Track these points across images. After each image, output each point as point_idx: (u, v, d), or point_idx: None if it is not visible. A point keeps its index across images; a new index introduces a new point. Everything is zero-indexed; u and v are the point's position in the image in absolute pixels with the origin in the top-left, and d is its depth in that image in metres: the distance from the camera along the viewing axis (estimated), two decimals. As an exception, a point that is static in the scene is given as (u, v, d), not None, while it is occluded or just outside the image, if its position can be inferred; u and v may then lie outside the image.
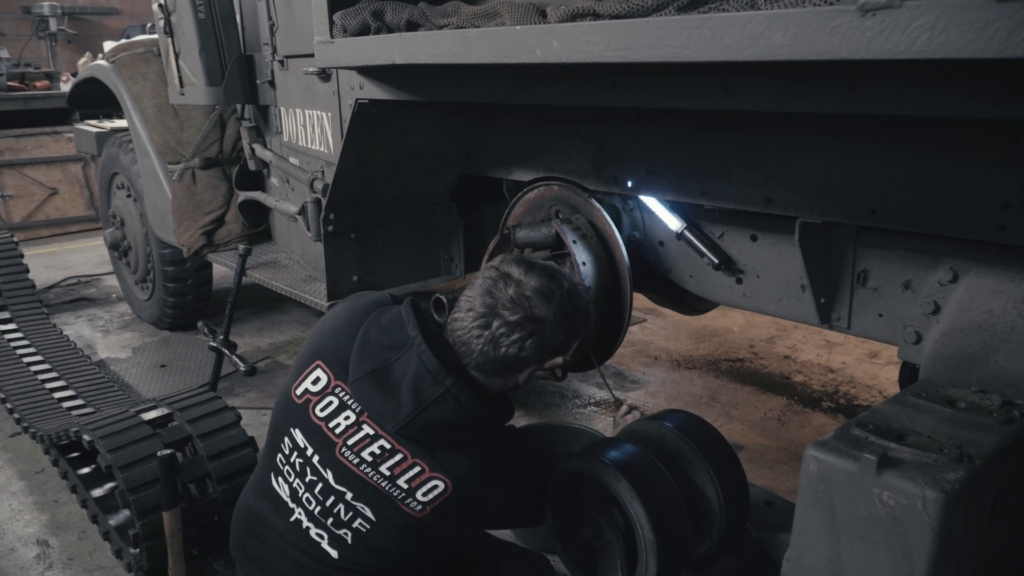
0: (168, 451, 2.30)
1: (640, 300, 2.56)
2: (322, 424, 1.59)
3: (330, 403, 1.59)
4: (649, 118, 2.10)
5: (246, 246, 3.46)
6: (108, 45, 4.62)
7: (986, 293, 1.59)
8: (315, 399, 1.61)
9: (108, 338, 4.80)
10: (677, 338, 4.62)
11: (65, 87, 7.24)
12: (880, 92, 1.28)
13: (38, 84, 7.78)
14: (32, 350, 4.02)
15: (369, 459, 1.55)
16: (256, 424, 3.47)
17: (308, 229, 3.15)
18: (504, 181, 2.70)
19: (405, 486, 1.55)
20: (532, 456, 1.85)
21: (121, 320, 5.10)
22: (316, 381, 1.63)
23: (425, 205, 2.97)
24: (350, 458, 1.57)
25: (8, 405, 3.45)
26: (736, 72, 1.47)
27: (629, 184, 2.21)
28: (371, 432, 1.56)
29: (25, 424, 3.25)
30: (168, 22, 3.53)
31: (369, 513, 1.58)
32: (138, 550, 2.46)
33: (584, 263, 2.15)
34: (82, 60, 7.18)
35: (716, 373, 4.11)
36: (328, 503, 1.59)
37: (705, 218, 2.14)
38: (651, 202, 2.24)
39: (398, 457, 1.54)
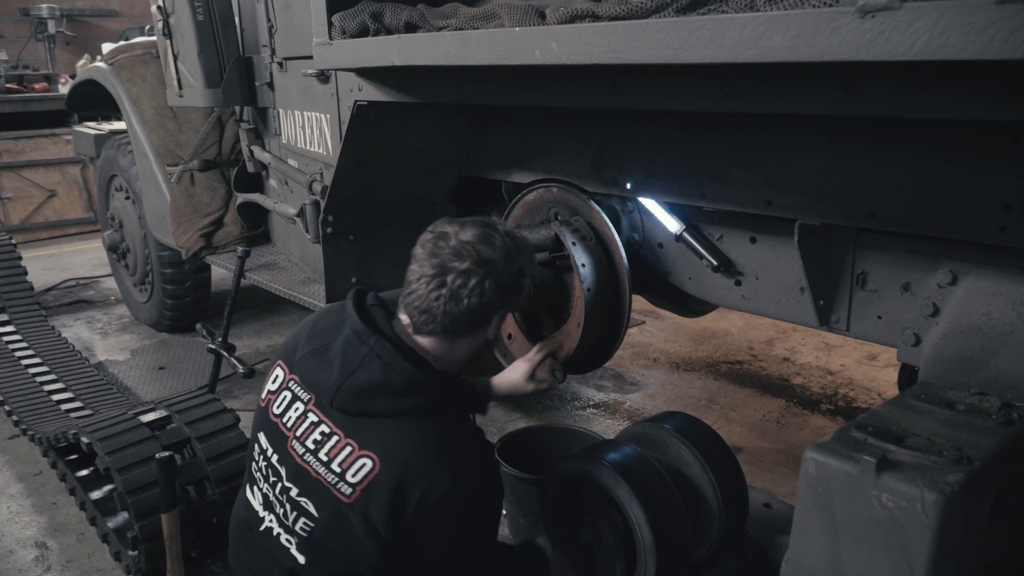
0: (167, 453, 2.30)
1: (639, 302, 2.56)
2: (278, 421, 1.59)
3: (284, 398, 1.59)
4: (648, 120, 2.10)
5: (245, 248, 3.46)
6: (107, 47, 4.62)
7: (985, 295, 1.59)
8: (273, 398, 1.62)
9: (107, 340, 4.79)
10: (676, 340, 4.62)
11: (64, 89, 7.24)
12: (880, 94, 1.28)
13: (36, 86, 7.78)
14: (30, 352, 4.01)
15: (312, 447, 1.52)
16: (255, 426, 3.47)
17: (307, 231, 3.15)
18: (503, 183, 2.70)
19: (337, 469, 1.48)
20: (494, 491, 1.60)
21: (120, 322, 5.10)
22: (275, 380, 1.64)
23: (424, 207, 2.97)
24: (297, 449, 1.54)
25: (7, 407, 3.45)
26: (735, 73, 1.47)
27: (628, 186, 2.21)
28: (315, 419, 1.53)
29: (24, 426, 3.24)
30: (167, 24, 3.53)
31: (312, 508, 1.52)
32: (137, 552, 2.45)
33: (583, 265, 2.15)
34: (80, 62, 7.19)
35: (715, 375, 4.11)
36: (287, 504, 1.56)
37: (704, 220, 2.14)
38: (650, 204, 2.24)
39: (334, 440, 1.50)
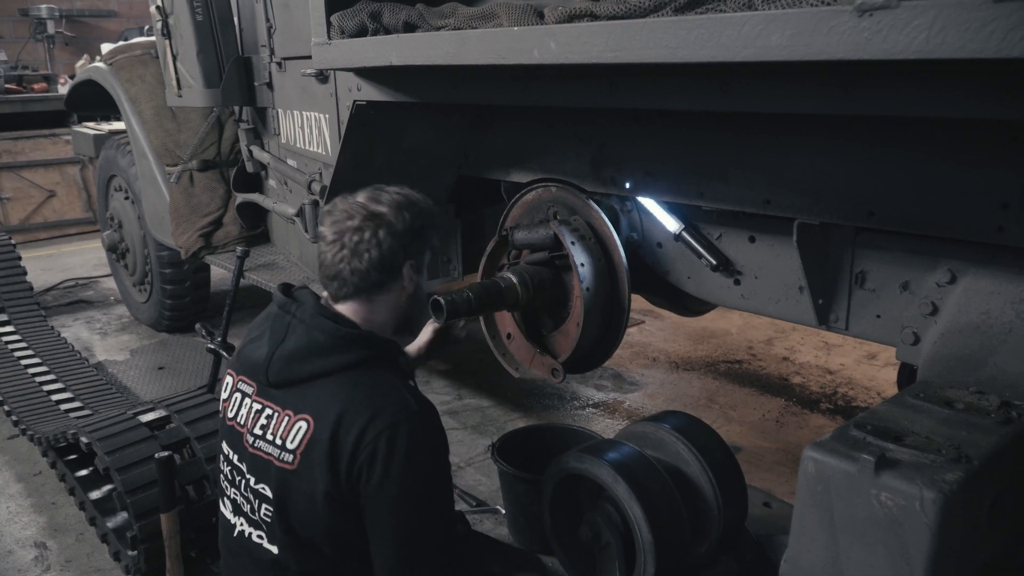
0: (166, 453, 2.30)
1: (638, 302, 2.56)
2: (233, 424, 1.62)
3: (235, 400, 1.63)
4: (647, 119, 2.10)
5: (244, 248, 3.46)
6: (106, 47, 4.62)
7: (984, 294, 1.59)
8: (227, 405, 1.65)
9: (106, 340, 4.79)
10: (675, 340, 4.63)
11: (63, 89, 7.24)
12: (878, 93, 1.28)
13: (36, 86, 7.78)
14: (30, 353, 4.01)
15: (260, 432, 1.55)
16: (254, 426, 3.47)
17: (306, 231, 3.15)
18: (502, 183, 2.70)
19: (279, 442, 1.50)
20: (433, 440, 1.55)
21: (119, 322, 5.10)
22: (226, 388, 1.68)
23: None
24: (251, 441, 1.57)
25: (6, 408, 3.45)
26: (734, 73, 1.47)
27: (627, 185, 2.21)
28: (259, 406, 1.57)
29: (23, 426, 3.24)
30: (166, 24, 3.53)
31: (268, 492, 1.53)
32: (136, 552, 2.45)
33: (582, 264, 2.15)
34: (80, 62, 7.18)
35: (714, 375, 4.11)
36: (251, 497, 1.57)
37: (703, 219, 2.14)
38: (649, 203, 2.24)
39: (275, 417, 1.53)
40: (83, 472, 2.87)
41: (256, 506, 1.57)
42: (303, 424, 1.49)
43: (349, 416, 1.46)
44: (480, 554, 1.92)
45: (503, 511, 2.73)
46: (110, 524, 2.66)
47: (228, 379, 1.68)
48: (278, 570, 1.56)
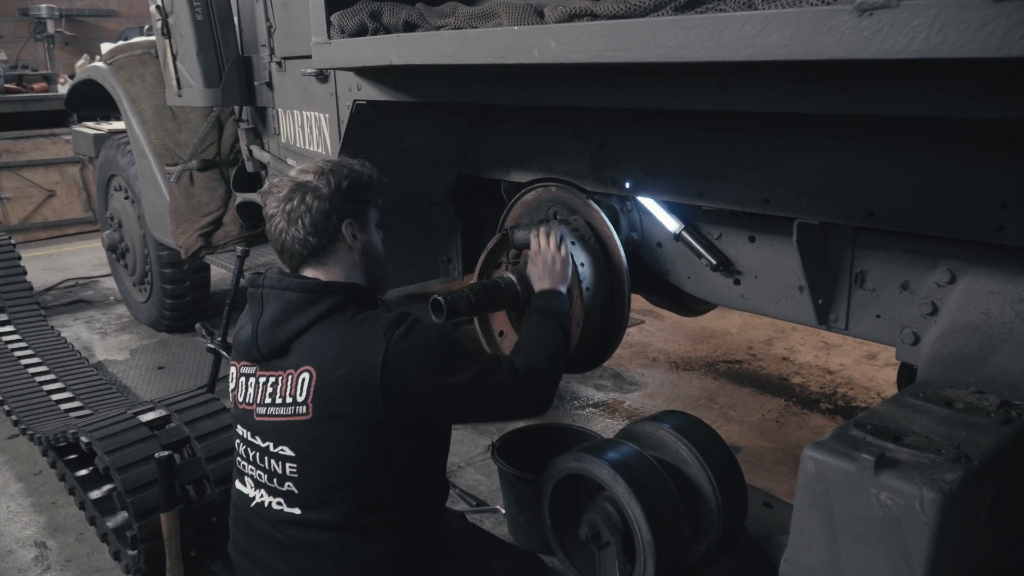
0: (166, 453, 2.30)
1: (638, 301, 2.56)
2: (244, 406, 1.69)
3: (241, 384, 1.71)
4: (647, 119, 2.10)
5: (244, 248, 3.46)
6: (106, 47, 4.61)
7: (984, 294, 1.59)
8: (236, 393, 1.73)
9: (106, 340, 4.79)
10: (675, 340, 4.63)
11: (63, 89, 7.24)
12: (878, 92, 1.28)
13: (36, 86, 7.78)
14: (30, 352, 4.01)
15: (269, 401, 1.62)
16: (254, 426, 3.47)
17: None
18: (502, 182, 2.70)
19: (290, 400, 1.58)
20: (434, 327, 1.71)
21: (119, 322, 5.10)
22: (232, 378, 1.76)
23: (423, 206, 2.97)
24: (261, 412, 1.64)
25: (6, 407, 3.45)
26: (734, 72, 1.47)
27: (627, 185, 2.21)
28: (263, 379, 1.64)
29: (23, 426, 3.24)
30: (166, 24, 3.53)
31: (289, 451, 1.60)
32: (136, 552, 2.45)
33: (582, 264, 2.15)
34: (80, 62, 7.18)
35: (714, 374, 4.11)
36: (268, 467, 1.63)
37: (703, 219, 2.14)
38: (649, 203, 2.24)
39: (280, 382, 1.60)
40: (83, 472, 2.87)
41: (277, 472, 1.62)
42: (305, 375, 1.56)
43: (350, 348, 1.55)
44: (480, 549, 1.92)
45: (503, 511, 2.74)
46: (110, 524, 2.66)
47: (232, 369, 1.76)
48: (298, 530, 1.61)
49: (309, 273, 1.70)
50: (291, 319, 1.60)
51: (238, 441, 1.73)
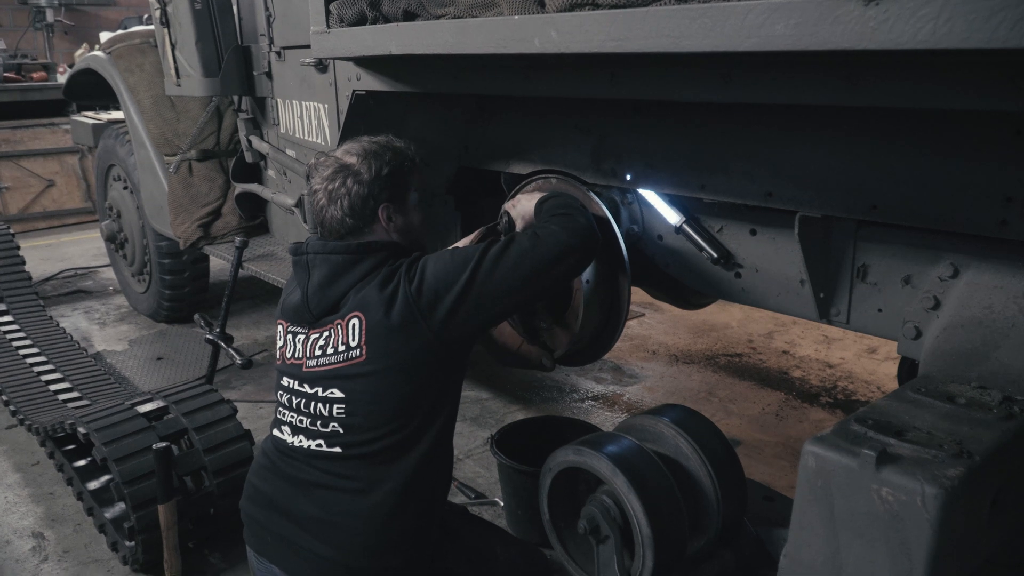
0: (164, 444, 2.29)
1: (638, 294, 2.55)
2: (292, 361, 1.78)
3: (288, 343, 1.81)
4: (648, 110, 2.09)
5: (243, 238, 3.45)
6: (105, 36, 4.59)
7: (987, 289, 1.58)
8: (284, 351, 1.82)
9: (105, 330, 4.78)
10: (675, 333, 4.62)
11: (62, 78, 7.21)
12: (882, 84, 1.27)
13: (35, 75, 7.75)
14: (28, 342, 4.00)
15: (320, 353, 1.72)
16: (252, 417, 3.46)
17: (305, 221, 3.14)
18: (502, 174, 2.69)
19: (343, 348, 1.68)
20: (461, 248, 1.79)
21: (118, 312, 5.09)
22: (280, 337, 1.85)
23: (423, 198, 2.95)
24: (312, 364, 1.73)
25: (4, 397, 3.44)
26: (737, 63, 1.46)
27: (628, 177, 2.20)
28: (316, 336, 1.74)
29: (21, 416, 3.24)
30: (164, 13, 3.51)
31: (339, 392, 1.69)
32: (134, 543, 2.45)
33: (582, 257, 2.14)
34: (79, 51, 7.15)
35: (714, 368, 4.11)
36: (313, 411, 1.72)
37: (704, 212, 2.13)
38: (650, 196, 2.23)
39: (332, 335, 1.71)
40: (81, 462, 2.86)
41: (324, 413, 1.70)
42: (355, 321, 1.67)
43: (387, 290, 1.65)
44: (484, 537, 1.93)
45: (502, 503, 2.73)
46: (108, 514, 2.65)
47: (279, 329, 1.86)
48: (332, 463, 1.69)
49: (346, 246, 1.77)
50: (340, 279, 1.71)
51: (280, 392, 1.81)
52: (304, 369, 1.74)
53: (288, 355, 1.80)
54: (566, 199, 1.95)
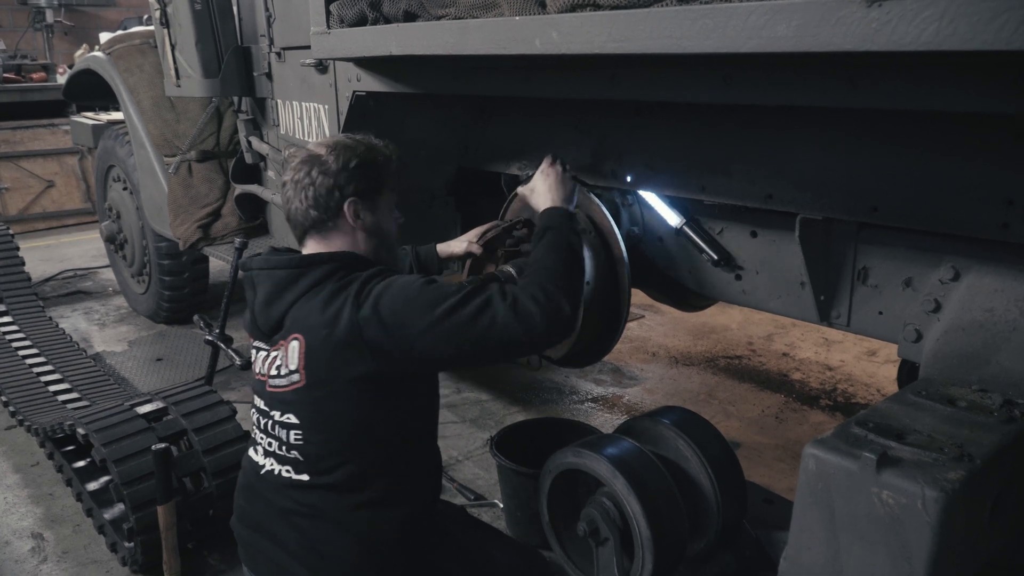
0: (163, 445, 2.29)
1: (638, 296, 2.55)
2: (259, 376, 1.73)
3: (256, 356, 1.74)
4: (649, 112, 2.08)
5: (242, 239, 3.44)
6: (104, 37, 4.59)
7: (988, 291, 1.58)
8: (254, 364, 1.77)
9: (104, 331, 4.78)
10: (675, 335, 4.61)
11: (62, 79, 7.21)
12: (884, 86, 1.26)
13: (34, 76, 7.74)
14: (28, 343, 4.00)
15: (275, 373, 1.65)
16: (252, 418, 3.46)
17: (305, 223, 3.12)
18: (502, 175, 2.68)
19: (286, 370, 1.62)
20: (403, 278, 1.61)
21: (117, 313, 5.09)
22: (252, 351, 1.79)
23: (423, 199, 2.95)
24: (271, 383, 1.67)
25: (3, 398, 3.44)
26: (738, 64, 1.46)
27: (628, 179, 2.19)
28: (273, 354, 1.67)
29: (20, 417, 3.23)
30: (164, 13, 3.50)
31: (293, 418, 1.62)
32: (133, 544, 2.45)
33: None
34: (79, 52, 7.15)
35: (714, 370, 4.10)
36: (277, 435, 1.67)
37: (705, 214, 2.13)
38: (650, 197, 2.22)
39: (279, 353, 1.64)
40: (80, 463, 2.86)
41: (284, 440, 1.64)
42: (295, 343, 1.59)
43: (331, 309, 1.54)
44: (481, 539, 1.91)
45: (501, 505, 2.73)
46: (107, 515, 2.65)
47: (252, 342, 1.80)
48: (304, 495, 1.63)
49: (311, 244, 1.70)
50: (282, 296, 1.63)
51: (253, 411, 1.77)
52: (267, 388, 1.68)
53: (256, 369, 1.73)
54: (568, 237, 1.76)
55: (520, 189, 1.97)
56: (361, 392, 1.57)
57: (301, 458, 1.62)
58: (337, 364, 1.55)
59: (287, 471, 1.65)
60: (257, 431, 1.74)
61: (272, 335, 1.66)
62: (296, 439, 1.63)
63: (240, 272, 1.76)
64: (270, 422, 1.68)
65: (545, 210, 1.88)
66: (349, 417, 1.58)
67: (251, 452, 1.77)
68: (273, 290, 1.64)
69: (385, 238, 1.74)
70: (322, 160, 1.66)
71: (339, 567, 1.62)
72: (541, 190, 1.93)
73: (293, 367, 1.59)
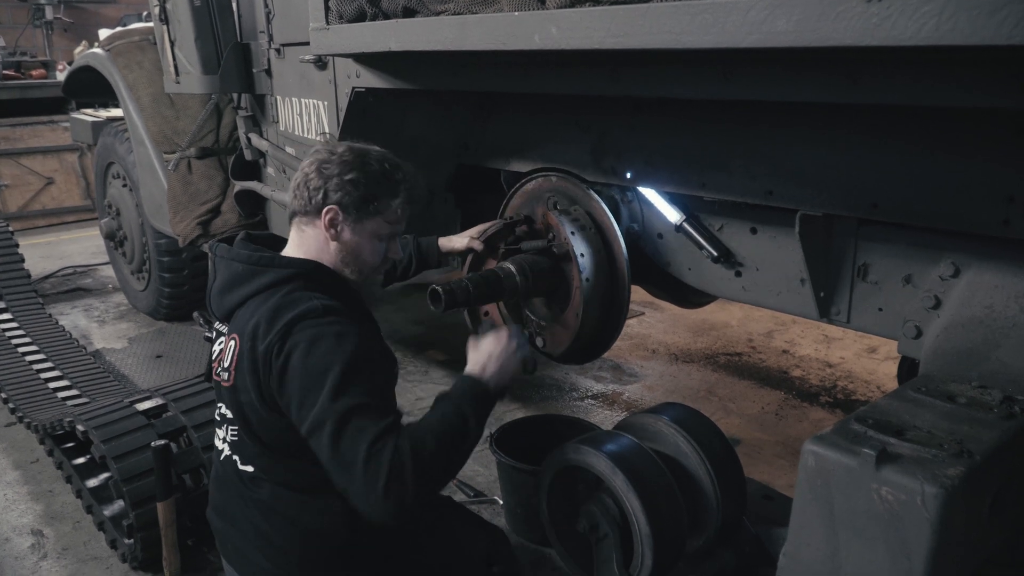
0: (162, 441, 2.29)
1: (638, 293, 2.55)
2: (213, 359, 1.73)
3: (218, 344, 1.72)
4: (648, 108, 2.08)
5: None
6: (104, 33, 4.58)
7: (988, 288, 1.58)
8: (214, 343, 1.75)
9: (104, 328, 4.78)
10: (675, 331, 4.61)
11: (61, 76, 7.20)
12: (884, 81, 1.26)
13: (34, 73, 7.74)
14: (28, 340, 4.00)
15: (220, 361, 1.66)
16: (252, 415, 3.46)
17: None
18: (502, 172, 2.68)
19: (225, 365, 1.61)
20: (339, 336, 1.48)
21: (117, 310, 5.09)
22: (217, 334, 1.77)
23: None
24: (217, 371, 1.67)
25: (3, 395, 3.44)
26: (738, 60, 1.45)
27: (628, 175, 2.19)
28: (223, 339, 1.67)
29: (20, 414, 3.23)
30: (163, 10, 3.50)
31: (229, 413, 1.63)
32: (132, 540, 2.45)
33: (582, 255, 2.13)
34: (78, 49, 7.13)
35: (714, 367, 4.10)
36: (224, 424, 1.69)
37: (704, 210, 2.12)
38: (650, 194, 2.22)
39: (224, 344, 1.64)
40: (80, 460, 2.86)
41: (227, 430, 1.67)
42: (232, 343, 1.59)
43: (262, 326, 1.52)
44: (442, 516, 1.88)
45: (501, 502, 2.73)
46: (107, 512, 2.65)
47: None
48: (255, 486, 1.63)
49: (292, 231, 1.69)
50: (235, 289, 1.62)
51: (215, 392, 1.77)
52: (213, 376, 1.69)
53: (213, 351, 1.74)
54: (464, 420, 1.53)
55: (471, 338, 1.76)
56: (271, 411, 1.54)
57: (242, 452, 1.64)
58: (251, 378, 1.53)
59: (237, 459, 1.67)
60: (216, 416, 1.75)
61: (223, 321, 1.68)
62: (232, 435, 1.65)
63: (208, 251, 1.74)
64: (218, 410, 1.71)
65: (466, 375, 1.65)
66: (271, 425, 1.56)
67: (215, 439, 1.78)
68: (229, 281, 1.64)
69: (359, 261, 1.67)
70: (327, 160, 1.64)
71: (293, 557, 1.63)
72: (481, 351, 1.69)
73: (227, 365, 1.60)
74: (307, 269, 1.61)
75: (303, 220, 1.66)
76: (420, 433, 1.47)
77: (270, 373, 1.49)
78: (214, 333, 1.77)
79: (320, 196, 1.61)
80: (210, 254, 1.73)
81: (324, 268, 1.64)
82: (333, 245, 1.65)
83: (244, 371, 1.54)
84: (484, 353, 1.68)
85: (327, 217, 1.62)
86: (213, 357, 1.72)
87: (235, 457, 1.66)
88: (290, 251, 1.69)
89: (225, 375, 1.61)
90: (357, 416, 1.42)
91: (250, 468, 1.64)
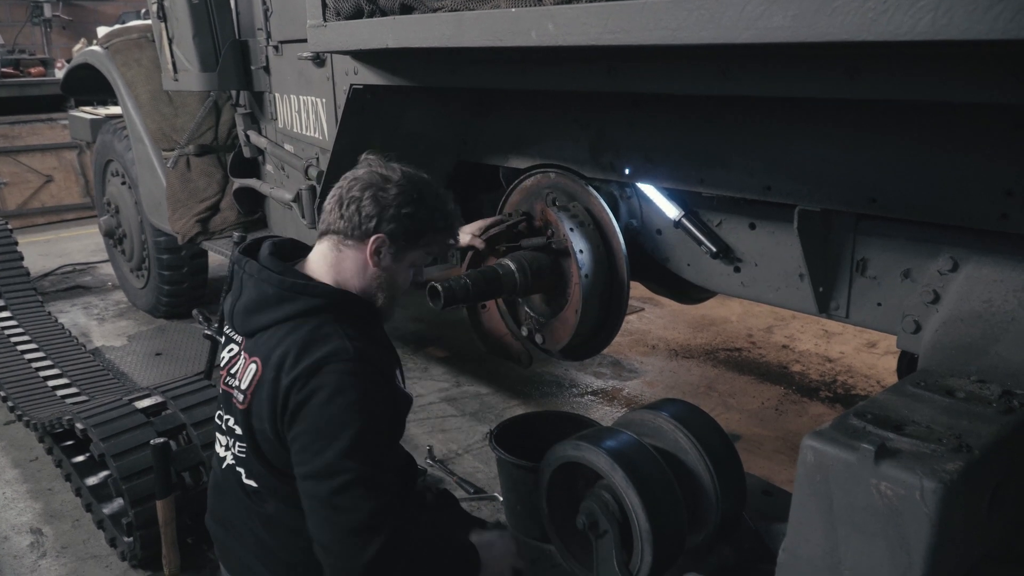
0: (162, 439, 2.29)
1: (638, 289, 2.55)
2: (222, 369, 1.70)
3: (229, 348, 1.69)
4: (646, 104, 2.08)
5: (241, 234, 3.44)
6: (102, 31, 4.58)
7: (987, 282, 1.58)
8: (222, 352, 1.73)
9: (103, 326, 4.78)
10: (675, 327, 4.61)
11: (60, 74, 7.20)
12: (881, 76, 1.26)
13: (33, 71, 7.74)
14: (27, 338, 4.00)
15: (233, 372, 1.63)
16: (252, 413, 3.47)
17: (303, 216, 3.13)
18: (501, 168, 2.68)
19: (238, 383, 1.58)
20: (365, 382, 1.49)
21: (116, 308, 5.09)
22: (224, 335, 1.75)
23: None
24: (226, 380, 1.65)
25: (2, 393, 3.44)
26: (735, 55, 1.45)
27: (626, 171, 2.19)
28: (236, 349, 1.65)
29: (19, 412, 3.23)
30: (162, 7, 3.49)
31: (238, 429, 1.60)
32: (132, 538, 2.45)
33: (581, 251, 2.13)
34: (77, 46, 7.12)
35: (714, 362, 4.10)
36: (231, 436, 1.66)
37: (703, 206, 2.12)
38: (649, 190, 2.22)
39: (241, 360, 1.61)
40: (79, 458, 2.86)
41: (233, 443, 1.64)
42: (253, 366, 1.55)
43: (289, 359, 1.49)
44: (440, 517, 1.90)
45: (501, 499, 2.73)
46: (106, 510, 2.65)
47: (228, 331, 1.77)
48: (259, 500, 1.62)
49: (322, 247, 1.63)
50: (263, 312, 1.58)
51: (219, 400, 1.74)
52: (223, 383, 1.65)
53: (222, 357, 1.70)
54: (451, 559, 1.64)
55: (474, 534, 1.80)
56: (282, 444, 1.52)
57: (247, 467, 1.61)
58: (267, 406, 1.51)
59: (240, 471, 1.63)
60: (219, 421, 1.72)
61: (244, 339, 1.63)
62: (240, 451, 1.62)
63: (231, 261, 1.69)
64: (225, 420, 1.66)
65: (474, 533, 1.77)
66: (278, 454, 1.54)
67: (216, 445, 1.75)
68: (257, 302, 1.59)
69: (393, 288, 1.67)
70: (382, 187, 1.58)
71: (296, 570, 1.61)
72: (486, 539, 1.76)
73: (243, 387, 1.56)
74: (337, 299, 1.59)
75: (345, 242, 1.61)
76: (420, 546, 1.51)
77: (286, 407, 1.48)
78: (218, 333, 1.75)
79: (372, 224, 1.57)
80: (235, 267, 1.67)
81: (353, 297, 1.62)
82: (373, 271, 1.62)
83: (262, 399, 1.51)
84: (488, 541, 1.76)
85: (373, 245, 1.59)
86: (222, 364, 1.68)
87: (240, 470, 1.64)
88: (320, 268, 1.63)
89: (240, 396, 1.57)
90: (365, 484, 1.44)
91: (254, 483, 1.62)
